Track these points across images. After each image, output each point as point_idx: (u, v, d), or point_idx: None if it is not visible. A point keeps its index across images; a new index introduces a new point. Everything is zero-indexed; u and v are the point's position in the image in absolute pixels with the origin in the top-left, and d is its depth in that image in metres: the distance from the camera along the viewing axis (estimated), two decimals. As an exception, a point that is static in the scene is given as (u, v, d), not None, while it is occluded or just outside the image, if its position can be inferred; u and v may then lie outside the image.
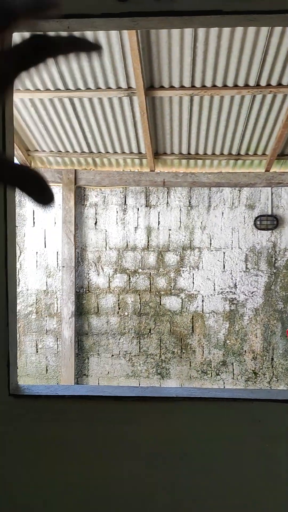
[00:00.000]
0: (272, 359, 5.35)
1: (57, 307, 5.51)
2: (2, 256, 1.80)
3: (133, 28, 1.99)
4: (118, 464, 1.86)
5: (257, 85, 3.86)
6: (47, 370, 5.56)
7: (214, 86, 3.91)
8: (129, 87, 3.99)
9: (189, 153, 5.06)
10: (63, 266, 5.37)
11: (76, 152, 5.15)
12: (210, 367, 5.41)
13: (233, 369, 5.39)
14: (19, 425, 1.87)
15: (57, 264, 5.51)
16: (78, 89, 4.05)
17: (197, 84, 3.90)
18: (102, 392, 1.95)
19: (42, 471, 1.87)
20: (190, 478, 1.83)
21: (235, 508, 1.80)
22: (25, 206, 5.50)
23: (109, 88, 4.03)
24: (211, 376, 5.40)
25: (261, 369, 5.35)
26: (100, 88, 4.03)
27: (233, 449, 1.84)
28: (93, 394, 1.94)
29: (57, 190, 5.46)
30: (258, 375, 5.36)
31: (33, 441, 1.87)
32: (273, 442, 1.83)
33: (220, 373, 5.40)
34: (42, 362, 5.56)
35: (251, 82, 3.85)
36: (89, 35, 3.41)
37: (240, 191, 5.35)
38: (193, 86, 3.92)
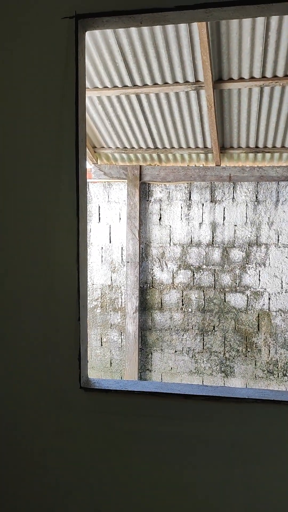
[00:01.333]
0: None
1: (121, 302, 5.59)
2: (74, 253, 1.83)
3: (207, 20, 1.93)
4: (188, 462, 1.85)
5: None
6: (111, 363, 5.66)
7: (286, 76, 3.75)
8: (197, 81, 3.94)
9: (257, 147, 4.91)
10: (128, 262, 5.42)
11: (141, 148, 5.17)
12: (277, 367, 5.24)
13: (301, 371, 5.19)
14: (88, 417, 1.91)
15: (122, 259, 5.58)
16: (145, 85, 4.06)
17: (268, 74, 3.76)
18: (172, 390, 1.94)
19: (110, 463, 1.89)
20: (264, 483, 1.78)
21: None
22: (91, 202, 5.62)
23: (176, 82, 3.99)
24: (278, 376, 5.23)
25: None
26: (167, 83, 4.01)
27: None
28: (162, 391, 1.93)
29: (122, 186, 5.53)
30: None
31: (101, 433, 1.90)
32: None
33: (287, 374, 5.22)
34: (107, 356, 5.67)
35: None
36: (157, 29, 3.39)
37: (311, 185, 5.11)
38: (263, 77, 3.79)
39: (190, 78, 3.92)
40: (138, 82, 4.04)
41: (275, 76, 3.76)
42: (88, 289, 5.57)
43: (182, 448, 1.86)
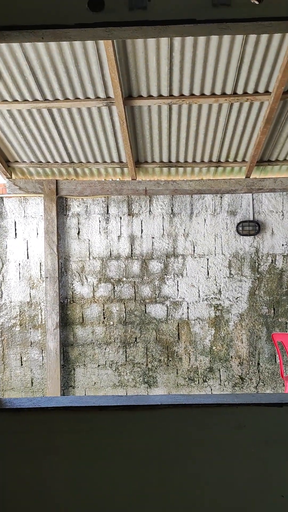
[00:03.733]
0: (258, 364, 5.37)
1: (42, 318, 5.46)
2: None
3: (108, 38, 2.00)
4: (105, 473, 1.84)
5: (234, 93, 3.92)
6: (32, 383, 5.49)
7: (192, 94, 3.95)
8: (108, 97, 4.01)
9: (170, 161, 5.09)
10: (47, 277, 5.33)
11: (57, 162, 5.14)
12: (197, 374, 5.40)
13: (220, 375, 5.39)
14: (2, 439, 1.84)
15: (41, 275, 5.47)
16: (56, 100, 4.06)
17: (175, 93, 3.94)
18: (86, 403, 1.93)
19: (26, 482, 1.83)
20: (179, 484, 1.82)
21: (224, 514, 1.79)
22: (6, 218, 5.46)
23: (88, 98, 4.04)
24: (198, 383, 5.39)
25: (248, 374, 5.37)
26: (78, 98, 4.04)
27: (220, 454, 1.84)
28: (77, 404, 1.92)
29: (38, 201, 5.44)
30: (245, 380, 5.37)
31: (15, 453, 1.84)
32: (259, 447, 1.84)
33: (207, 380, 5.40)
34: (27, 375, 5.49)
35: (228, 90, 3.90)
36: (64, 45, 3.42)
37: (221, 197, 5.39)
38: (171, 95, 3.96)
39: (101, 94, 3.99)
40: (49, 97, 4.03)
41: (181, 95, 3.95)
42: (6, 307, 5.40)
43: (100, 460, 1.85)
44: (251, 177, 5.20)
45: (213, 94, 3.93)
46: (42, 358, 5.46)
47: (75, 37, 1.95)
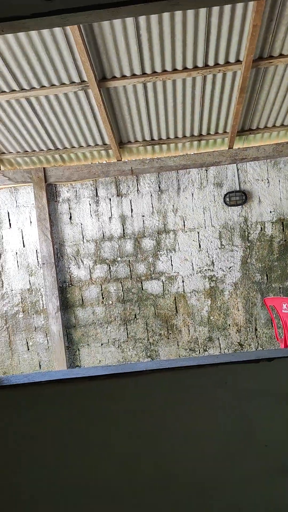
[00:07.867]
0: (256, 329, 5.51)
1: (43, 303, 5.61)
2: None
3: (65, 25, 2.05)
4: (98, 440, 1.98)
5: (206, 65, 3.95)
6: (40, 366, 5.68)
7: (164, 71, 3.99)
8: (83, 81, 4.06)
9: (152, 139, 5.15)
10: (43, 263, 5.46)
11: (42, 150, 5.21)
12: (198, 344, 5.56)
13: (220, 344, 5.55)
14: (1, 414, 1.98)
15: (38, 262, 5.60)
16: (33, 88, 4.11)
17: (148, 70, 3.97)
18: (77, 374, 2.07)
19: (25, 457, 1.98)
20: (169, 444, 1.96)
21: (213, 467, 1.93)
22: (-1, 209, 5.57)
23: (63, 84, 4.09)
24: (200, 353, 5.56)
25: (246, 340, 5.52)
26: (54, 85, 4.09)
27: (205, 411, 1.97)
28: (68, 377, 2.06)
29: (29, 190, 5.53)
30: (244, 346, 5.52)
31: (14, 429, 1.98)
32: (241, 400, 1.97)
33: (207, 349, 5.56)
34: (35, 359, 5.67)
35: (200, 63, 3.93)
36: (33, 34, 3.46)
37: (207, 170, 5.46)
38: (144, 73, 4.00)
39: (76, 79, 4.03)
40: (25, 86, 4.08)
41: (154, 72, 3.99)
42: (7, 295, 5.55)
43: (92, 427, 1.99)
44: (234, 147, 5.25)
45: (185, 69, 3.97)
46: (47, 342, 5.63)
47: (33, 27, 1.99)
